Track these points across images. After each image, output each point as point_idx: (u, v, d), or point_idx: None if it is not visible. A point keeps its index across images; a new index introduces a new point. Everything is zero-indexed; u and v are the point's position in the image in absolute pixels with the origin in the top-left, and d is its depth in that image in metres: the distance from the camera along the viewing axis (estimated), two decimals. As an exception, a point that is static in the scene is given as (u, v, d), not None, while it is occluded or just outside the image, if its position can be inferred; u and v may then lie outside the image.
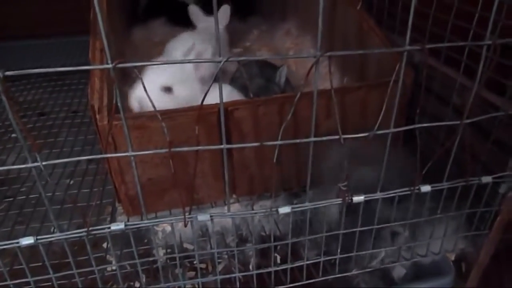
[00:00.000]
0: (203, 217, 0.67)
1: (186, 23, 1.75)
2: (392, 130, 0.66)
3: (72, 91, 1.79)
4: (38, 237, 0.63)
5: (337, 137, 0.63)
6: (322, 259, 0.83)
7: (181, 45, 1.27)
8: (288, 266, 0.82)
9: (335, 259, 0.82)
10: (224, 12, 1.44)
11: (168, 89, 1.03)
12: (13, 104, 0.52)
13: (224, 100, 0.59)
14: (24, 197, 1.17)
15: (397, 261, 0.88)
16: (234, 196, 1.03)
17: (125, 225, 0.65)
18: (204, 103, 0.57)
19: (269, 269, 0.79)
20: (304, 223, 0.77)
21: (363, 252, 0.87)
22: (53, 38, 2.10)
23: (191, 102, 0.98)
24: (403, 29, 1.12)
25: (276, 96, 0.98)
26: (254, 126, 0.93)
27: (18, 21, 2.06)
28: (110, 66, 0.51)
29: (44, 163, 0.56)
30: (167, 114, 0.87)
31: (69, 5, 1.97)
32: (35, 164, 0.56)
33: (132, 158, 0.60)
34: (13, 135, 1.50)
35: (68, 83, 1.84)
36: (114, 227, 0.64)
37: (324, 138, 0.63)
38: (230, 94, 1.07)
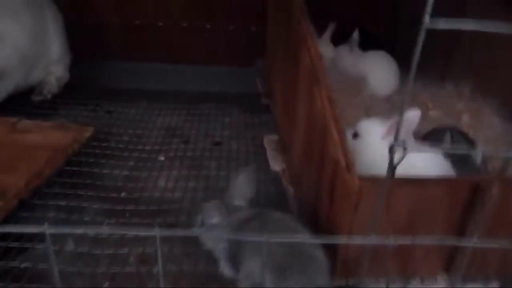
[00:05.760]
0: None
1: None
2: None
3: (212, 121, 1.79)
4: None
5: None
6: None
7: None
8: None
9: None
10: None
11: (355, 135, 1.10)
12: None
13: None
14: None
15: None
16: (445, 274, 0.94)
17: None
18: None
19: None
20: None
21: None
22: (189, 65, 2.20)
23: (371, 155, 1.01)
24: None
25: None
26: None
27: (159, 47, 2.23)
28: None
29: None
30: (416, 182, 0.81)
31: (205, 37, 2.24)
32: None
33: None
34: (161, 158, 1.51)
35: (207, 113, 1.85)
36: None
37: None
38: (439, 163, 1.00)
